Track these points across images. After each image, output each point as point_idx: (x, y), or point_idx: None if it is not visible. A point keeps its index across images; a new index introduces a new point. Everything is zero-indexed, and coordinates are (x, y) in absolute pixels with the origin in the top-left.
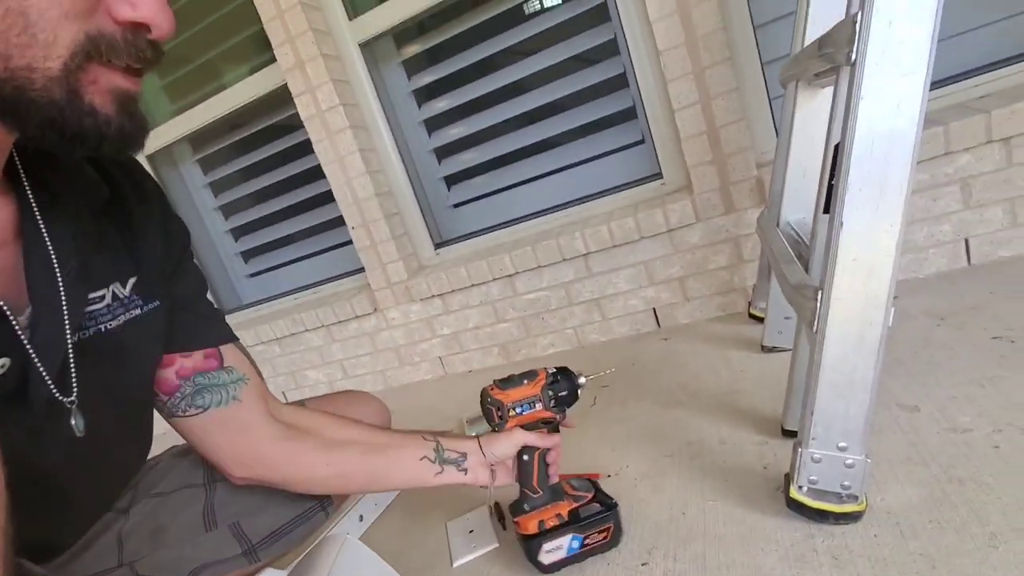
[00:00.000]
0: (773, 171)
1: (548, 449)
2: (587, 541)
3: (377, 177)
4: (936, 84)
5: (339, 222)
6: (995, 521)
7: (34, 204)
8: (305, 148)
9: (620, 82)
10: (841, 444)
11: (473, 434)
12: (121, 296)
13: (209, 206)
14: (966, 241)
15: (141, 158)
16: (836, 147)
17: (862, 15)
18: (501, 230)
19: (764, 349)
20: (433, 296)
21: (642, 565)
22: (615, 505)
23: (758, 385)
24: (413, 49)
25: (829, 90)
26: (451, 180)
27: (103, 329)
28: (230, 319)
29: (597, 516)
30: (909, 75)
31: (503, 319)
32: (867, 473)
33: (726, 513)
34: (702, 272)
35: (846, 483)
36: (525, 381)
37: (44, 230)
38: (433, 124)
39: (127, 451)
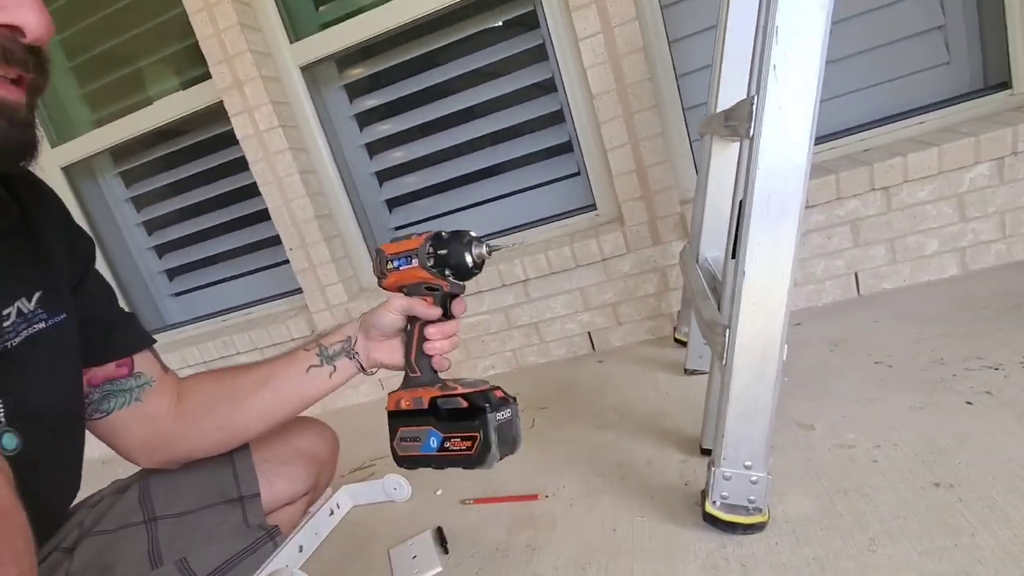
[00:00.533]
0: (693, 211)
1: (427, 321)
2: (447, 445)
3: (317, 199)
4: (829, 137)
5: (273, 241)
6: (873, 528)
7: None
8: (239, 164)
9: (558, 117)
10: (747, 463)
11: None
12: (26, 311)
13: (131, 222)
14: (855, 275)
15: (56, 168)
16: (740, 203)
17: (757, 98)
18: None
19: (687, 372)
20: None
21: None
22: (483, 409)
23: (681, 407)
24: (356, 73)
25: (737, 144)
26: (393, 203)
27: (8, 347)
28: None
29: (459, 414)
30: (796, 145)
31: None
32: (769, 488)
33: (652, 528)
34: (633, 298)
35: (752, 497)
36: (412, 236)
37: None
38: (375, 148)
39: (60, 472)
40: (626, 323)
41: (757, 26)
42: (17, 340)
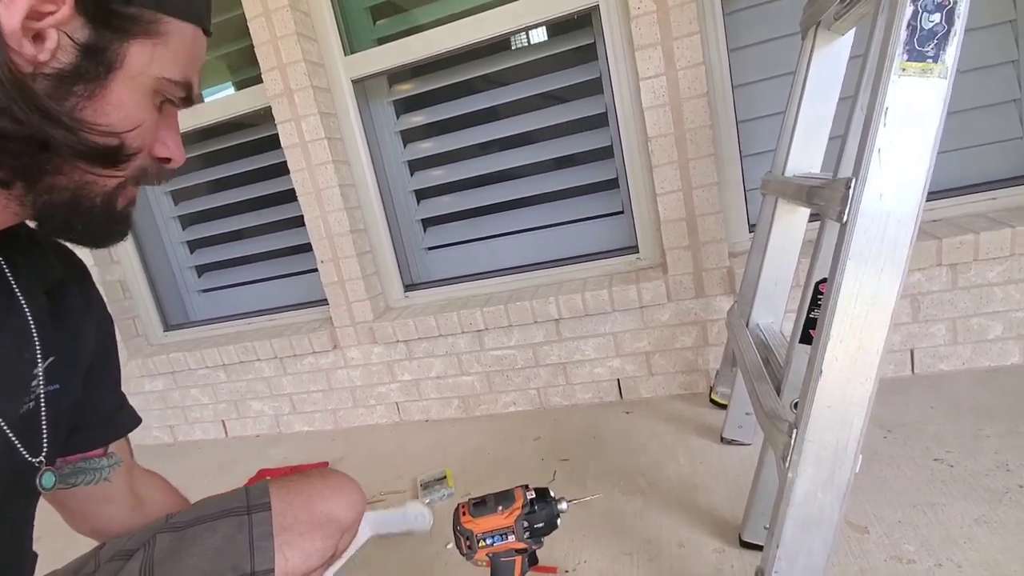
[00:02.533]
0: (746, 270)
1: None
2: None
3: (354, 213)
4: None
5: (305, 248)
6: None
7: (9, 275)
8: (279, 169)
9: (606, 153)
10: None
11: (427, 501)
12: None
13: (167, 214)
14: (911, 352)
15: None
16: (818, 283)
17: (855, 182)
18: (472, 281)
19: (723, 440)
20: (398, 341)
21: None
22: None
23: (717, 479)
24: (405, 89)
25: (806, 212)
26: (428, 223)
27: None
28: (176, 336)
29: None
30: (894, 244)
31: (467, 372)
32: None
33: None
34: (668, 349)
35: None
36: (500, 508)
37: (23, 300)
38: (416, 165)
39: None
40: (659, 374)
41: (856, 100)
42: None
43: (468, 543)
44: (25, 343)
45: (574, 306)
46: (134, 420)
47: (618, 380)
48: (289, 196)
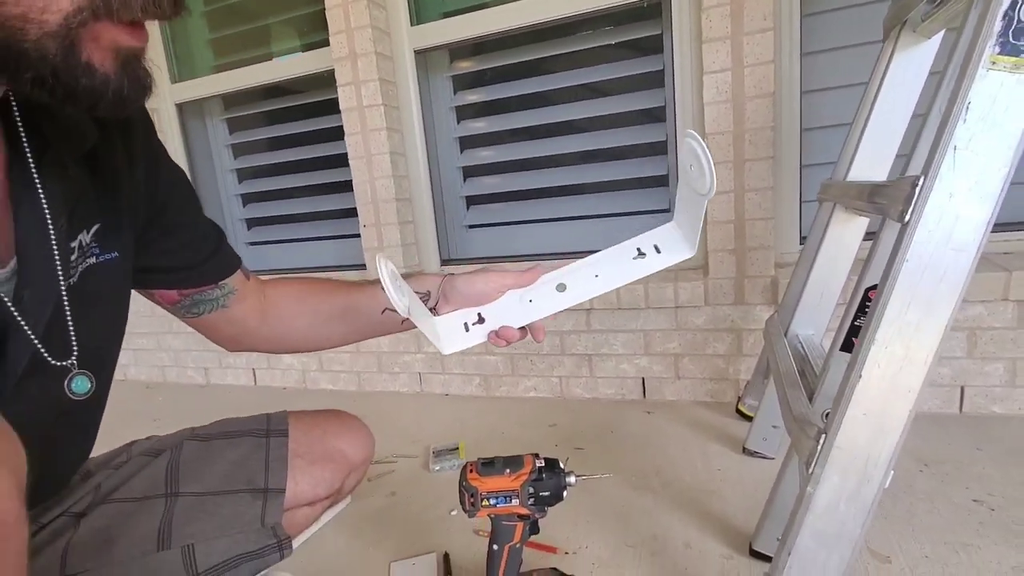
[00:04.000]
0: (791, 281)
1: (519, 544)
2: None
3: (401, 182)
4: None
5: (350, 213)
6: None
7: (29, 154)
8: (335, 133)
9: (660, 148)
10: None
11: (436, 468)
12: (84, 244)
13: (227, 166)
14: (962, 389)
15: (171, 104)
16: (867, 290)
17: (924, 180)
18: (511, 262)
19: (745, 451)
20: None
21: None
22: None
23: (733, 490)
24: (465, 65)
25: (863, 221)
26: (472, 201)
27: (72, 283)
28: None
29: None
30: (959, 251)
31: (492, 351)
32: None
33: None
34: (699, 355)
35: None
36: (507, 471)
37: (38, 182)
38: (467, 143)
39: (96, 412)
40: (686, 378)
41: (936, 97)
42: (76, 276)
43: (472, 500)
44: (55, 215)
45: (607, 298)
46: (232, 262)
47: (643, 379)
48: (341, 161)
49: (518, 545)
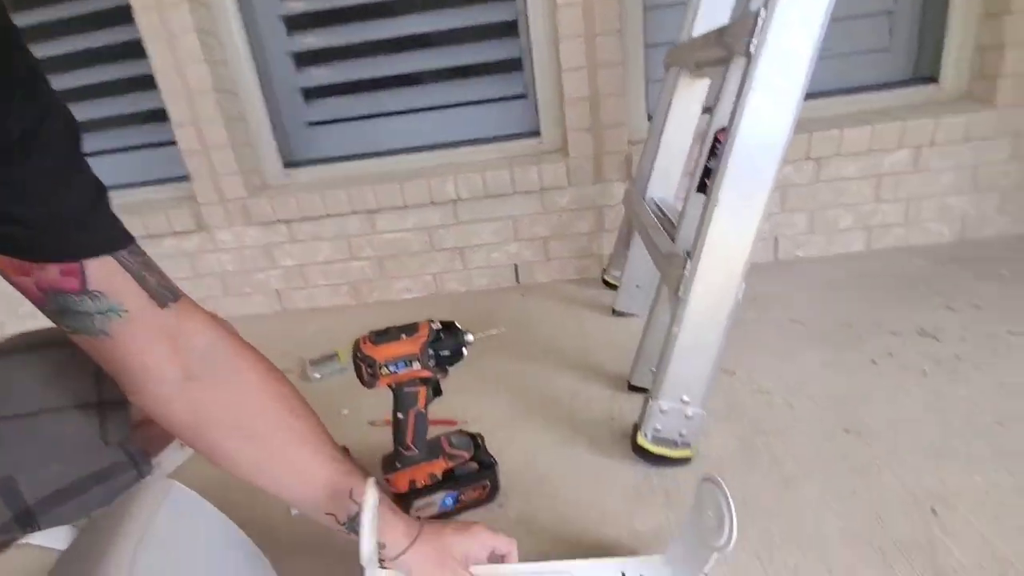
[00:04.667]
0: (644, 150)
1: (424, 409)
2: (462, 497)
3: (218, 69)
4: None
5: (159, 116)
6: (789, 467)
7: None
8: (121, 14)
9: (511, 29)
10: (685, 398)
11: (317, 376)
12: None
13: None
14: (776, 239)
15: None
16: (716, 133)
17: (764, 12)
18: (363, 160)
19: (615, 313)
20: (277, 221)
21: (498, 507)
22: (493, 464)
23: (607, 346)
24: None
25: (706, 82)
26: (311, 94)
27: None
28: None
29: (473, 475)
30: (792, 75)
31: (357, 256)
32: (702, 425)
33: (577, 459)
34: (566, 235)
35: (683, 432)
36: (403, 336)
37: None
38: (295, 24)
39: None
40: (555, 259)
41: None
42: None
43: (370, 371)
44: None
45: (474, 186)
46: (111, 241)
47: (515, 265)
48: (136, 50)
49: (423, 410)
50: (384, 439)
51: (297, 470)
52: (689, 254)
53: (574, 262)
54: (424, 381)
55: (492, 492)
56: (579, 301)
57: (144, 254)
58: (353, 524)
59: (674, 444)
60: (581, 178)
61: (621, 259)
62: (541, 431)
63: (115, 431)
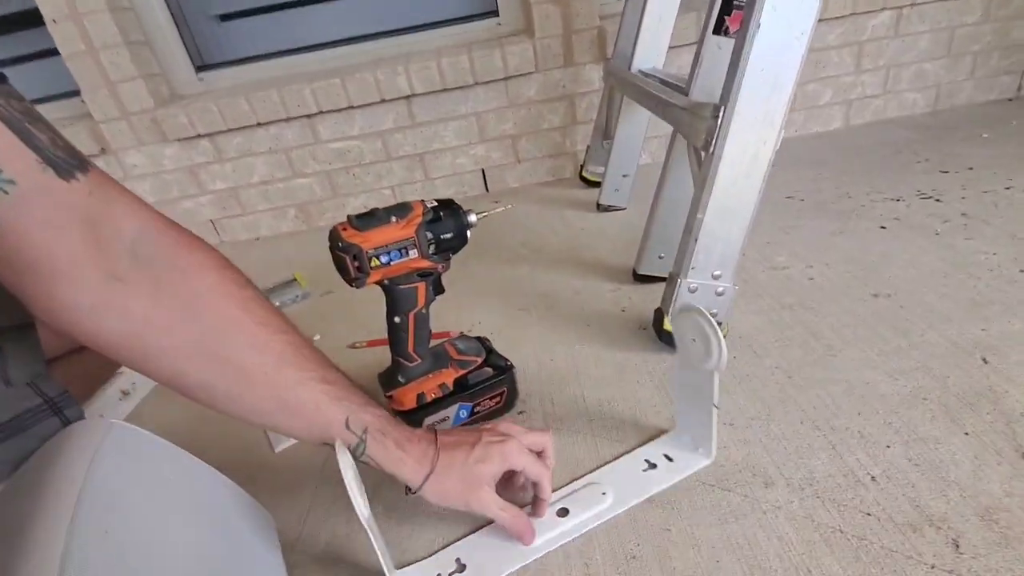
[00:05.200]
0: (623, 19)
1: (425, 308)
2: (477, 409)
3: None
4: None
5: (31, 18)
6: (827, 335)
7: None
8: None
9: None
10: (716, 272)
11: (276, 304)
12: None
13: None
14: None
15: None
16: None
17: None
18: (292, 56)
19: (600, 208)
20: (199, 136)
21: (519, 414)
22: (509, 367)
23: (599, 239)
24: None
25: None
26: None
27: None
28: None
29: (489, 382)
30: None
31: (301, 173)
32: (734, 300)
33: (595, 355)
34: (535, 131)
35: (714, 311)
36: (393, 218)
37: None
38: None
39: None
40: (526, 160)
41: None
42: None
43: (357, 264)
44: None
45: (429, 78)
46: None
47: (483, 170)
48: None
49: (424, 310)
50: (371, 361)
51: (277, 398)
52: (723, 100)
53: (547, 162)
54: (423, 275)
55: (510, 399)
56: (559, 200)
57: (25, 99)
58: (356, 452)
59: None
60: (549, 62)
61: (601, 152)
62: (549, 332)
63: (20, 367)
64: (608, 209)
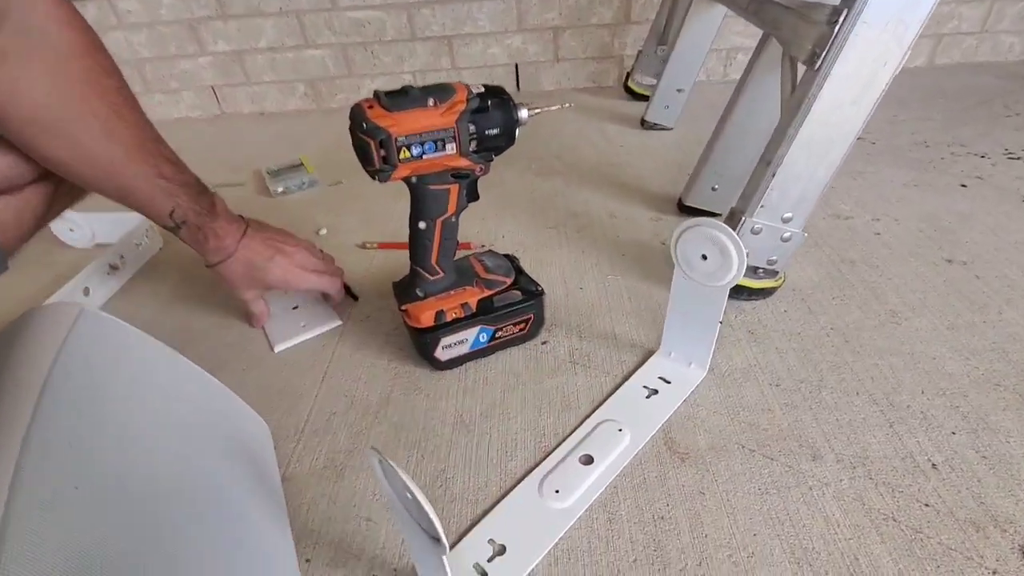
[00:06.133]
0: None
1: (455, 216)
2: (499, 334)
3: None
4: None
5: None
6: (891, 300)
7: None
8: None
9: None
10: (787, 215)
11: (280, 190)
12: None
13: None
14: None
15: None
16: None
17: None
18: None
19: (644, 125)
20: None
21: (542, 344)
22: (540, 293)
23: (642, 160)
24: None
25: None
26: None
27: None
28: None
29: (516, 308)
30: None
31: (314, 43)
32: (798, 248)
33: (630, 288)
34: (582, 26)
35: (773, 258)
36: (432, 101)
37: None
38: None
39: None
40: (566, 60)
41: None
42: None
43: (383, 154)
44: None
45: None
46: None
47: (516, 65)
48: None
49: (454, 218)
50: (382, 264)
51: (121, 187)
52: (846, 2)
53: (590, 65)
54: (457, 176)
55: (536, 327)
56: (599, 110)
57: None
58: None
59: (754, 273)
60: None
61: (653, 60)
62: (580, 256)
63: None
64: (653, 127)
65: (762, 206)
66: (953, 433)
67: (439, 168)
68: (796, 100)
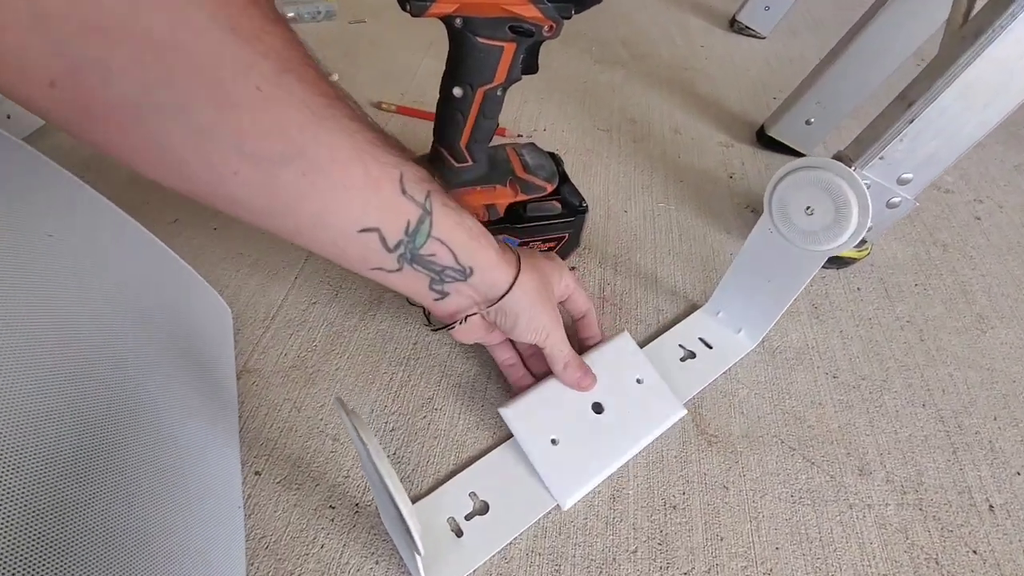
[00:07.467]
0: None
1: (503, 87)
2: (526, 247)
3: None
4: None
5: None
6: (981, 302)
7: None
8: None
9: None
10: (907, 176)
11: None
12: None
13: None
14: None
15: None
16: None
17: None
18: None
19: (734, 26)
20: None
21: (571, 269)
22: (584, 209)
23: (723, 69)
24: None
25: None
26: None
27: None
28: None
29: (551, 222)
30: None
31: None
32: (901, 219)
33: (681, 224)
34: None
35: (869, 225)
36: None
37: None
38: None
39: None
40: None
41: None
42: None
43: None
44: None
45: None
46: None
47: None
48: None
49: (500, 90)
50: (397, 133)
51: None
52: None
53: None
54: (518, 30)
55: (568, 248)
56: (682, 2)
57: None
58: (414, 250)
59: None
60: None
61: None
62: (630, 171)
63: None
64: (744, 31)
65: (881, 157)
66: (1018, 473)
67: (496, 12)
68: (972, 30)
